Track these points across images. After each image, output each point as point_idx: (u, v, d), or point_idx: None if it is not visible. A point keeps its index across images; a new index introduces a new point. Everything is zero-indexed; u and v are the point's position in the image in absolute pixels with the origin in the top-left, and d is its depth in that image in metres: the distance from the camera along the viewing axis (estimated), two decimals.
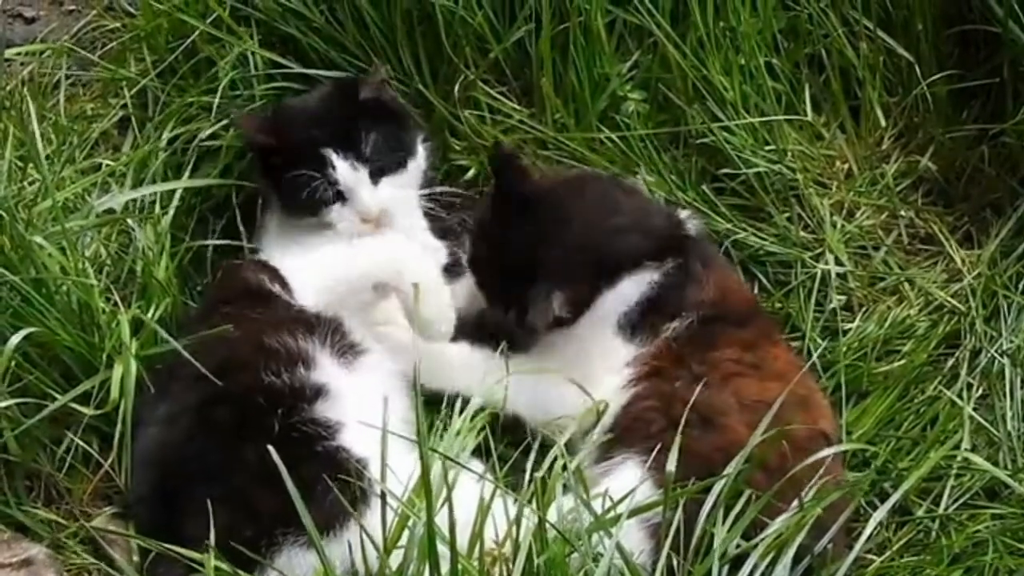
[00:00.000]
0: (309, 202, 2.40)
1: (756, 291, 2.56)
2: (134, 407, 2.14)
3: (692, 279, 2.32)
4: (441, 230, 2.54)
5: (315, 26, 2.65)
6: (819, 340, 2.49)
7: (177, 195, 2.50)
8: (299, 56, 2.67)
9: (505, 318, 2.36)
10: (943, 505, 2.25)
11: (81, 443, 2.19)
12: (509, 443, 2.24)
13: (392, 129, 2.44)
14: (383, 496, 1.82)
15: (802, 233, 2.60)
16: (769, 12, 2.69)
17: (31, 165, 2.42)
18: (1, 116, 2.53)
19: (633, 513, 1.88)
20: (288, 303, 2.32)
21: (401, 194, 2.45)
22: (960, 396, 2.40)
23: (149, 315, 2.26)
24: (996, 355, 2.45)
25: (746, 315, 2.34)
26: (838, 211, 2.64)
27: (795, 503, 1.91)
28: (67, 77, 2.77)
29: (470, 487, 1.90)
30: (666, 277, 2.31)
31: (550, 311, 2.26)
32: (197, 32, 2.62)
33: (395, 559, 1.81)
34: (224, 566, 1.88)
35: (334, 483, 1.98)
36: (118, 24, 2.83)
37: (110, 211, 2.41)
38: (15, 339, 2.09)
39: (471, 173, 2.66)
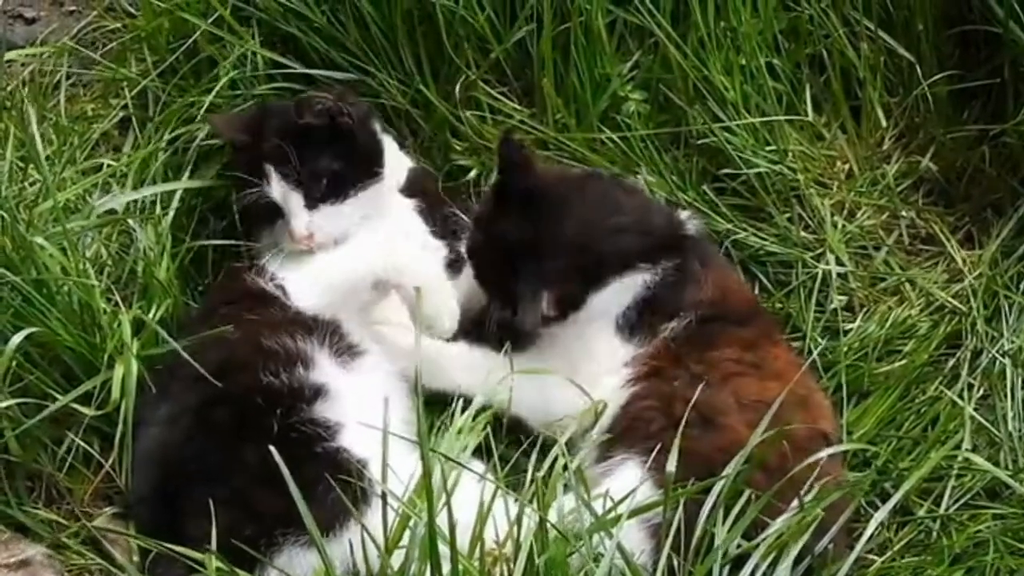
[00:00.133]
0: (254, 210, 2.41)
1: (757, 291, 2.57)
2: (135, 407, 2.14)
3: (691, 279, 2.32)
4: (441, 230, 2.53)
5: (316, 26, 2.65)
6: (820, 340, 2.50)
7: (178, 195, 2.50)
8: (300, 56, 2.67)
9: (502, 313, 2.36)
10: (944, 505, 2.25)
11: (82, 443, 2.19)
12: (510, 443, 2.25)
13: (342, 155, 2.40)
14: (384, 496, 1.82)
15: (803, 233, 2.60)
16: (770, 12, 2.69)
17: (32, 166, 2.42)
18: (2, 117, 2.53)
19: (634, 513, 1.88)
20: (288, 305, 2.31)
21: (348, 219, 2.41)
22: (961, 396, 2.40)
23: (150, 315, 2.26)
24: (997, 355, 2.45)
25: (746, 315, 2.35)
26: (839, 211, 2.64)
27: (795, 503, 1.91)
28: (68, 77, 2.77)
29: (471, 487, 1.90)
30: (664, 277, 2.31)
31: (538, 310, 2.26)
32: (199, 32, 2.62)
33: (396, 559, 1.81)
34: (225, 566, 1.88)
35: (334, 483, 1.98)
36: (119, 24, 2.83)
37: (111, 211, 2.41)
38: (16, 339, 2.09)
39: (472, 173, 2.66)
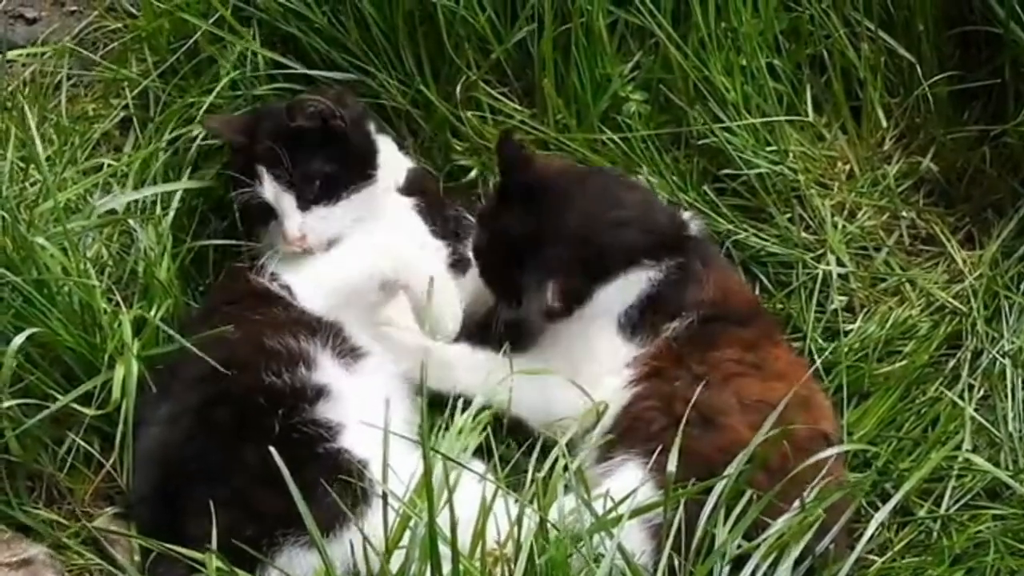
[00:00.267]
0: (250, 210, 2.41)
1: (757, 292, 2.57)
2: (135, 407, 2.14)
3: (692, 278, 2.32)
4: (442, 230, 2.53)
5: (317, 26, 2.65)
6: (820, 341, 2.50)
7: (178, 195, 2.50)
8: (301, 56, 2.67)
9: (507, 309, 2.35)
10: (944, 506, 2.25)
11: (83, 443, 2.19)
12: (510, 444, 2.25)
13: (335, 157, 2.40)
14: (384, 497, 1.82)
15: (803, 234, 2.60)
16: (770, 13, 2.69)
17: (32, 166, 2.42)
18: (3, 117, 2.53)
19: (634, 514, 1.88)
20: (291, 305, 2.32)
21: (341, 221, 2.41)
22: (961, 397, 2.40)
23: (151, 315, 2.25)
24: (997, 356, 2.45)
25: (747, 315, 2.35)
26: (839, 212, 2.64)
27: (796, 504, 1.91)
28: (68, 78, 2.77)
29: (471, 487, 1.90)
30: (666, 275, 2.31)
31: (544, 300, 2.26)
32: (200, 32, 2.62)
33: (396, 560, 1.81)
34: (225, 566, 1.88)
35: (335, 484, 1.98)
36: (119, 25, 2.83)
37: (112, 212, 2.41)
38: (18, 340, 2.09)
39: (473, 173, 2.66)
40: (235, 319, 2.24)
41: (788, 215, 2.62)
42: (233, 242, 2.46)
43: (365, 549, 1.89)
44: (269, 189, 2.37)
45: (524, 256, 2.30)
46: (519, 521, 1.85)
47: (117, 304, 2.28)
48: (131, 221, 2.43)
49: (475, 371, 2.32)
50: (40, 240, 2.19)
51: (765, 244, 2.59)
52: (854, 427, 2.38)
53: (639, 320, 2.30)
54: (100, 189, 2.49)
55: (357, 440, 2.09)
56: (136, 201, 2.48)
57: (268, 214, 2.40)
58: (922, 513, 2.25)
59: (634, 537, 1.96)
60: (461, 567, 1.78)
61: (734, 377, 2.20)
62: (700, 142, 2.64)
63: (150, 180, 2.52)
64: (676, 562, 1.88)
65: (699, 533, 1.87)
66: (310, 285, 2.34)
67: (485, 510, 1.85)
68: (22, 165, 2.44)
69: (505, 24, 2.66)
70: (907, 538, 2.23)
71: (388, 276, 2.35)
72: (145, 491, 2.15)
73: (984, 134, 2.69)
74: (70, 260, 2.23)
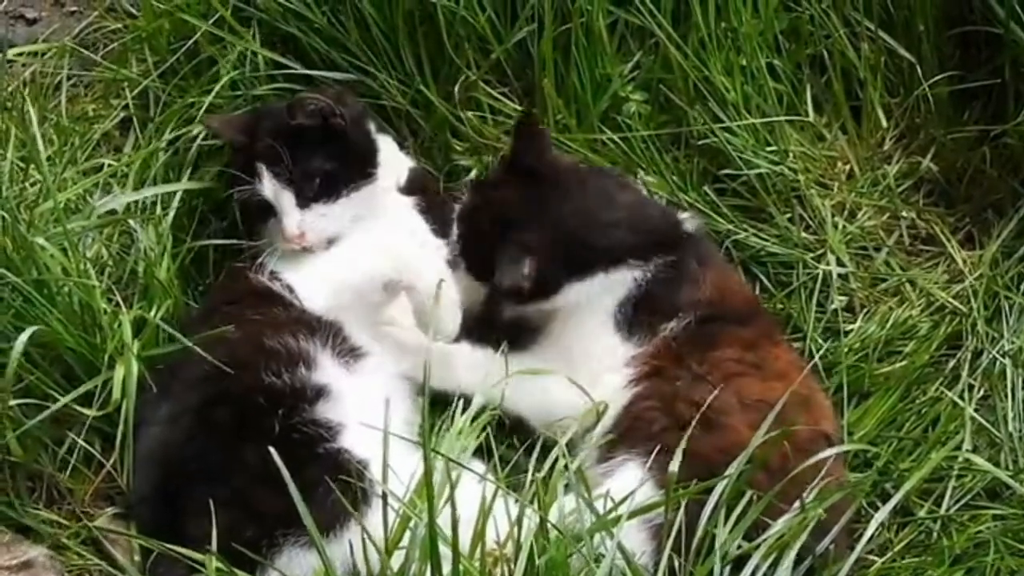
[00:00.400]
0: (250, 207, 2.42)
1: (757, 292, 2.56)
2: (136, 407, 2.14)
3: (687, 278, 2.32)
4: (441, 229, 2.53)
5: (317, 27, 2.65)
6: (820, 341, 2.50)
7: (178, 196, 2.50)
8: (301, 57, 2.67)
9: (486, 287, 2.36)
10: (944, 506, 2.25)
11: (83, 444, 2.19)
12: (510, 444, 2.25)
13: (335, 155, 2.40)
14: (384, 497, 1.82)
15: (803, 234, 2.60)
16: (770, 13, 2.69)
17: (32, 166, 2.42)
18: (3, 117, 2.53)
19: (635, 514, 1.88)
20: (291, 304, 2.31)
21: (340, 219, 2.41)
22: (961, 397, 2.40)
23: (151, 316, 2.25)
24: (997, 356, 2.45)
25: (746, 314, 2.35)
26: (839, 212, 2.64)
27: (797, 504, 1.91)
28: (69, 78, 2.76)
29: (472, 488, 1.90)
30: (655, 274, 2.31)
31: (518, 272, 2.26)
32: (200, 32, 2.62)
33: (396, 560, 1.81)
34: (225, 566, 1.88)
35: (335, 484, 1.98)
36: (119, 25, 2.82)
37: (112, 212, 2.41)
38: (21, 339, 2.09)
39: (473, 173, 2.66)
40: (235, 319, 2.24)
41: (788, 215, 2.62)
42: (233, 242, 2.46)
43: (365, 549, 1.88)
44: (269, 187, 2.38)
45: (508, 230, 2.30)
46: (519, 521, 1.84)
47: (117, 304, 2.28)
48: (131, 221, 2.43)
49: (475, 370, 2.32)
50: (40, 240, 2.19)
51: (765, 244, 2.59)
52: (854, 427, 2.38)
53: (634, 318, 2.30)
54: (100, 189, 2.49)
55: (357, 440, 2.09)
56: (136, 201, 2.48)
57: (268, 212, 2.40)
58: (922, 513, 2.25)
59: (634, 537, 1.96)
60: (461, 567, 1.78)
61: (734, 377, 2.20)
62: (700, 142, 2.64)
63: (150, 180, 2.52)
64: (676, 562, 1.88)
65: (699, 533, 1.87)
66: (313, 284, 2.34)
67: (485, 510, 1.85)
68: (22, 165, 2.44)
69: (505, 24, 2.66)
70: (907, 538, 2.23)
71: (391, 277, 2.35)
72: (145, 491, 2.15)
73: (984, 134, 2.69)
74: (70, 260, 2.23)
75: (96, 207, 2.38)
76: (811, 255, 2.58)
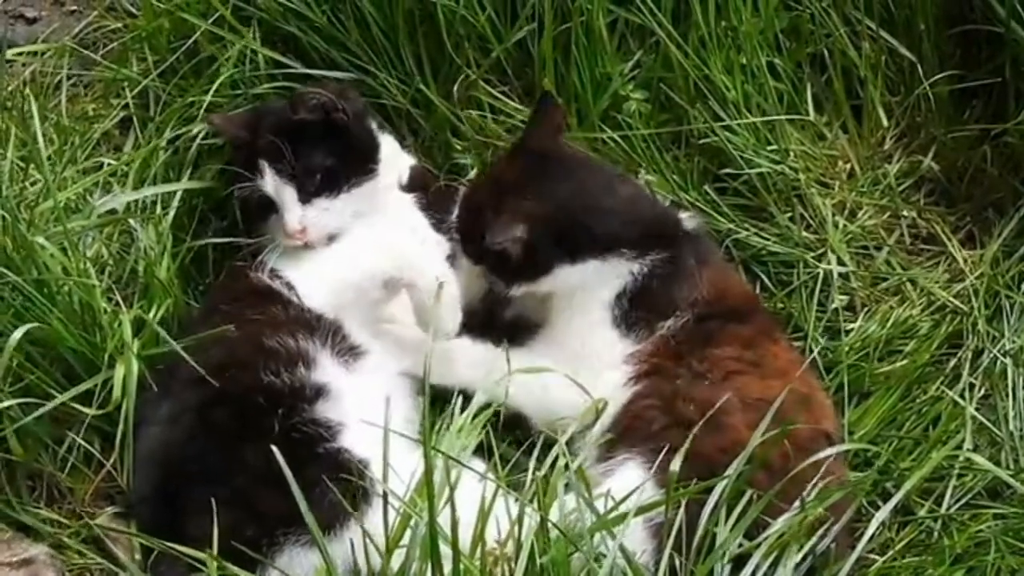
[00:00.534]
0: (251, 204, 2.42)
1: (758, 291, 2.56)
2: (136, 406, 2.14)
3: (684, 274, 2.32)
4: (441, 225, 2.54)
5: (317, 26, 2.65)
6: (821, 340, 2.49)
7: (178, 195, 2.50)
8: (301, 56, 2.67)
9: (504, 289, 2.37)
10: (945, 505, 2.25)
11: (83, 443, 2.19)
12: (511, 442, 2.25)
13: (336, 150, 2.41)
14: (385, 496, 1.82)
15: (804, 233, 2.60)
16: (771, 12, 2.69)
17: (33, 165, 2.42)
18: (3, 116, 2.53)
19: (635, 513, 1.88)
20: (291, 303, 2.31)
21: (341, 215, 2.41)
22: (962, 396, 2.40)
23: (151, 315, 2.26)
24: (998, 355, 2.44)
25: (745, 312, 2.34)
26: (840, 211, 2.64)
27: (797, 503, 1.91)
28: (69, 77, 2.77)
29: (472, 487, 1.90)
30: (652, 269, 2.31)
31: (509, 233, 2.26)
32: (200, 32, 2.62)
33: (397, 559, 1.81)
34: (226, 566, 1.88)
35: (336, 483, 1.98)
36: (120, 24, 2.83)
37: (112, 211, 2.41)
38: (17, 334, 2.09)
39: (473, 173, 2.66)
40: (235, 318, 2.24)
41: (789, 214, 2.62)
42: (233, 240, 2.45)
43: (366, 548, 1.88)
44: (270, 182, 2.38)
45: (505, 198, 2.30)
46: (520, 520, 1.84)
47: (117, 304, 2.28)
48: (131, 221, 2.43)
49: (476, 366, 2.32)
50: (40, 239, 2.19)
51: (766, 243, 2.59)
52: (855, 426, 2.38)
53: (632, 313, 2.30)
54: (100, 189, 2.49)
55: (357, 439, 2.09)
56: (136, 201, 2.48)
57: (268, 209, 2.40)
58: (923, 512, 2.25)
59: (635, 536, 1.96)
60: (462, 566, 1.78)
61: (734, 375, 2.20)
62: (700, 141, 2.64)
63: (150, 180, 2.52)
64: (677, 561, 1.88)
65: (700, 532, 1.87)
66: (313, 282, 2.34)
67: (486, 509, 1.84)
68: (22, 164, 2.44)
69: (505, 23, 2.66)
70: (908, 537, 2.23)
71: (392, 274, 2.35)
72: (145, 491, 2.15)
73: (985, 133, 2.69)
74: (70, 260, 2.23)
75: (96, 206, 2.38)
76: (812, 254, 2.57)
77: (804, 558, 1.90)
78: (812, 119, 2.72)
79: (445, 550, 1.76)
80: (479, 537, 1.83)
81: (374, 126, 2.51)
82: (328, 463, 2.05)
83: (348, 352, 2.27)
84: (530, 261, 2.30)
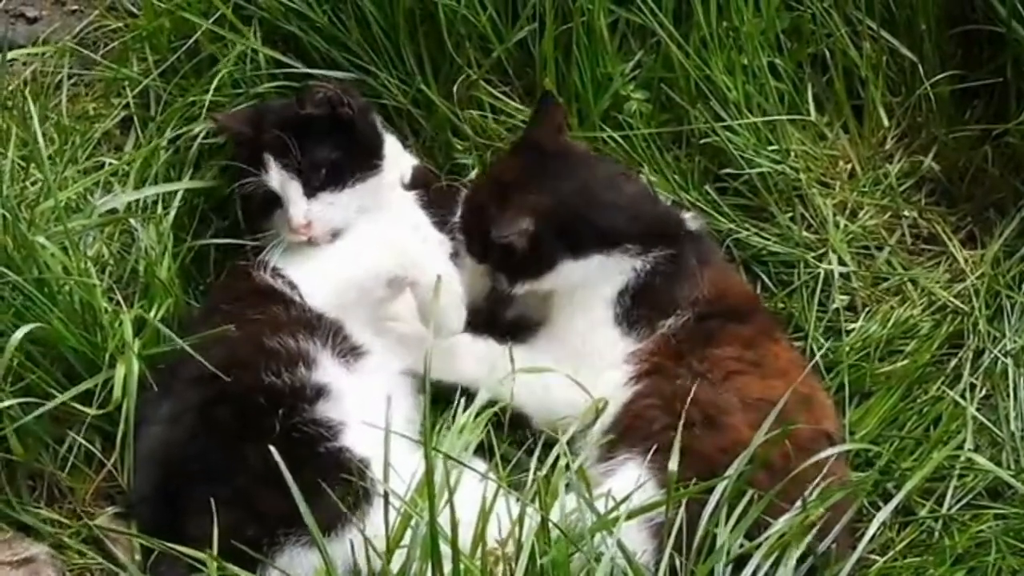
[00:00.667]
0: (254, 200, 2.42)
1: (759, 291, 2.56)
2: (136, 406, 2.13)
3: (685, 273, 2.32)
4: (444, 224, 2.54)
5: (317, 25, 2.65)
6: (822, 340, 2.50)
7: (179, 195, 2.50)
8: (301, 55, 2.67)
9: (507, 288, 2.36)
10: (946, 505, 2.25)
11: (84, 442, 2.19)
12: (512, 442, 2.25)
13: (342, 145, 2.41)
14: (386, 496, 1.81)
15: (805, 233, 2.60)
16: (772, 12, 2.69)
17: (33, 165, 2.42)
18: (4, 116, 2.53)
19: (636, 513, 1.88)
20: (292, 303, 2.31)
21: (346, 210, 2.41)
22: (963, 396, 2.40)
23: (151, 315, 2.25)
24: (999, 355, 2.44)
25: (746, 312, 2.34)
26: (841, 211, 2.64)
27: (798, 503, 1.91)
28: (69, 77, 2.76)
29: (473, 487, 1.90)
30: (654, 267, 2.31)
31: (515, 226, 2.26)
32: (200, 31, 2.62)
33: (397, 559, 1.81)
34: (226, 565, 1.88)
35: (336, 483, 1.98)
36: (120, 24, 2.82)
37: (112, 211, 2.41)
38: (18, 335, 2.09)
39: (474, 173, 2.66)
40: (236, 318, 2.24)
41: (790, 214, 2.62)
42: (234, 241, 2.45)
43: (366, 548, 1.88)
44: (275, 177, 2.38)
45: (509, 198, 2.30)
46: (520, 520, 1.84)
47: (118, 303, 2.28)
48: (132, 220, 2.43)
49: (478, 362, 2.32)
50: (41, 239, 2.19)
51: (767, 243, 2.59)
52: (856, 426, 2.38)
53: (633, 310, 2.30)
54: (101, 188, 2.49)
55: (358, 439, 2.09)
56: (137, 200, 2.48)
57: (271, 205, 2.40)
58: (924, 513, 2.25)
59: (636, 536, 1.96)
60: (462, 566, 1.78)
61: (734, 375, 2.20)
62: (701, 141, 2.64)
63: (151, 179, 2.52)
64: (677, 561, 1.88)
65: (700, 532, 1.87)
66: (316, 280, 2.34)
67: (486, 509, 1.84)
68: (23, 164, 2.44)
69: (506, 23, 2.66)
70: (909, 538, 2.23)
71: (396, 272, 2.35)
72: (146, 490, 2.15)
73: (986, 133, 2.69)
74: (71, 259, 2.23)
75: (97, 206, 2.38)
76: (812, 254, 2.57)
77: (805, 558, 1.89)
78: (813, 119, 2.72)
79: (445, 550, 1.75)
80: (480, 537, 1.83)
81: (378, 122, 2.52)
82: (329, 463, 2.05)
83: (349, 352, 2.27)
84: (535, 255, 2.30)
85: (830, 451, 2.02)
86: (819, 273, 2.55)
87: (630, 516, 1.86)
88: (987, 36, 2.69)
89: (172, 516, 2.07)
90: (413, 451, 1.96)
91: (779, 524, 1.88)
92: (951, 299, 2.55)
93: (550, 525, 1.82)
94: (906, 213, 2.66)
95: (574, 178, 2.34)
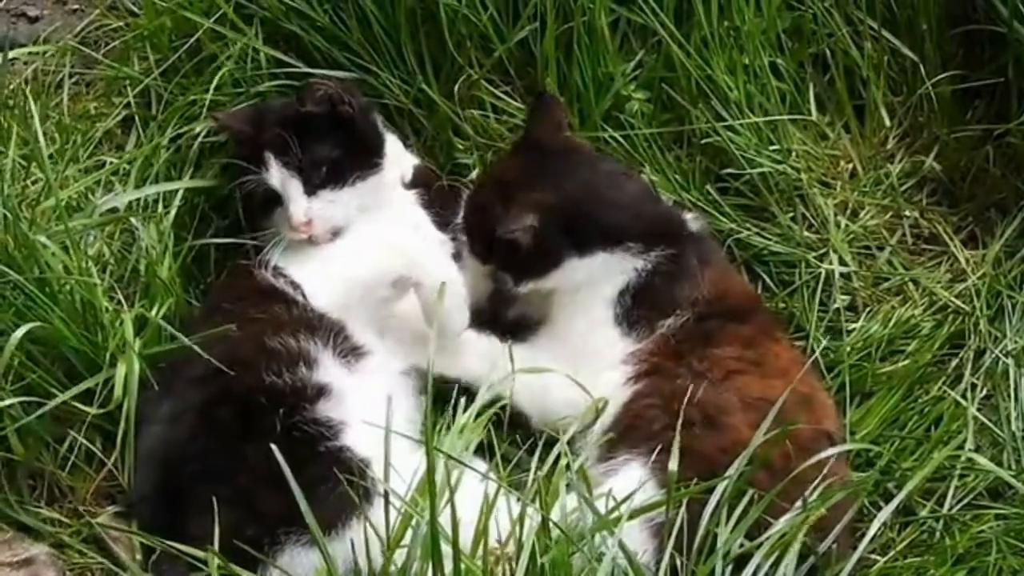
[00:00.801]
0: (254, 199, 2.42)
1: (760, 291, 2.56)
2: (137, 405, 2.13)
3: (686, 274, 2.32)
4: (444, 223, 2.54)
5: (319, 25, 2.65)
6: (823, 340, 2.49)
7: (180, 194, 2.50)
8: (302, 55, 2.67)
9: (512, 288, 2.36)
10: (947, 505, 2.25)
11: (84, 442, 2.19)
12: (513, 442, 2.25)
13: (342, 143, 2.41)
14: (386, 495, 1.81)
15: (806, 233, 2.60)
16: (773, 12, 2.69)
17: (35, 164, 2.42)
18: (5, 115, 2.53)
19: (637, 513, 1.88)
20: (294, 302, 2.31)
21: (346, 208, 2.41)
22: (964, 396, 2.40)
23: (152, 314, 2.25)
24: (1000, 355, 2.44)
25: (746, 312, 2.34)
26: (842, 211, 2.63)
27: (799, 503, 1.90)
28: (71, 76, 2.76)
29: (473, 486, 1.90)
30: (656, 266, 2.31)
31: (520, 223, 2.26)
32: (202, 30, 2.62)
33: (398, 558, 1.81)
34: (227, 565, 1.88)
35: (337, 482, 1.98)
36: (121, 23, 2.82)
37: (113, 210, 2.41)
38: (18, 334, 2.09)
39: (475, 172, 2.66)
40: (237, 317, 2.23)
41: (791, 214, 2.62)
42: (235, 240, 2.45)
43: (367, 548, 1.88)
44: (276, 175, 2.38)
45: (513, 196, 2.30)
46: (521, 520, 1.84)
47: (119, 302, 2.28)
48: (133, 219, 2.43)
49: (482, 358, 2.32)
50: (42, 238, 2.19)
51: (768, 243, 2.59)
52: (857, 426, 2.37)
53: (633, 310, 2.30)
54: (102, 187, 2.49)
55: (359, 438, 2.09)
56: (138, 199, 2.48)
57: (272, 203, 2.40)
58: (924, 513, 2.25)
59: (636, 536, 1.96)
60: (463, 566, 1.78)
61: (734, 374, 2.20)
62: (703, 141, 2.64)
63: (152, 178, 2.52)
64: (678, 561, 1.88)
65: (701, 532, 1.87)
66: (320, 280, 2.34)
67: (487, 509, 1.84)
68: (24, 163, 2.44)
69: (507, 23, 2.66)
70: (909, 538, 2.23)
71: (401, 272, 2.35)
72: (146, 490, 2.15)
73: (987, 133, 2.69)
74: (72, 258, 2.23)
75: (98, 205, 2.39)
76: (813, 254, 2.57)
77: (805, 558, 1.89)
78: (814, 119, 2.71)
79: (446, 550, 1.75)
80: (480, 537, 1.83)
81: (379, 121, 2.52)
82: (329, 462, 2.05)
83: (350, 352, 2.27)
84: (540, 252, 2.30)
85: (831, 451, 2.02)
86: (820, 273, 2.55)
87: (631, 516, 1.86)
88: (988, 36, 2.69)
89: (173, 515, 2.07)
90: (414, 451, 1.96)
91: (780, 524, 1.88)
92: (952, 299, 2.55)
93: (551, 525, 1.81)
94: (907, 213, 2.66)
95: (577, 175, 2.34)
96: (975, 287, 2.54)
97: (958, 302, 2.54)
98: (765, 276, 2.59)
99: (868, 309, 2.56)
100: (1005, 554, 2.10)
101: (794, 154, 2.65)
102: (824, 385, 2.38)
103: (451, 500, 1.74)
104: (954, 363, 2.48)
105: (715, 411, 2.12)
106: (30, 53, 2.80)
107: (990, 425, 2.35)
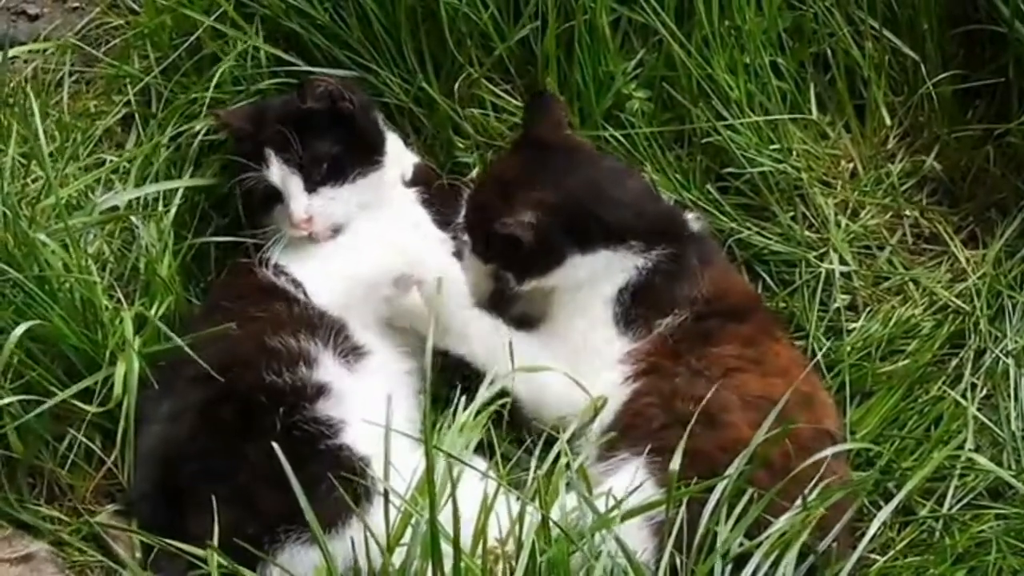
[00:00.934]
0: (255, 196, 2.42)
1: (760, 290, 2.56)
2: (137, 404, 2.13)
3: (686, 273, 2.31)
4: (446, 221, 2.54)
5: (319, 23, 2.65)
6: (823, 340, 2.49)
7: (180, 192, 2.50)
8: (302, 53, 2.67)
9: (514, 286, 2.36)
10: (947, 505, 2.25)
11: (84, 440, 2.19)
12: (512, 440, 2.25)
13: (342, 140, 2.41)
14: (386, 494, 1.81)
15: (806, 232, 2.60)
16: (774, 11, 2.69)
17: (35, 162, 2.42)
18: (5, 113, 2.53)
19: (636, 512, 1.88)
20: (295, 301, 2.31)
21: (347, 205, 2.41)
22: (964, 396, 2.40)
23: (152, 312, 2.25)
24: (1000, 355, 2.44)
25: (745, 311, 2.34)
26: (843, 210, 2.63)
27: (799, 502, 1.90)
28: (71, 74, 2.76)
29: (473, 485, 1.90)
30: (656, 264, 2.30)
31: (521, 218, 2.25)
32: (202, 28, 2.62)
33: (398, 557, 1.81)
34: (226, 563, 1.88)
35: (337, 481, 1.98)
36: (122, 21, 2.83)
37: (113, 208, 2.41)
38: (17, 332, 2.09)
39: (475, 171, 2.66)
40: (237, 316, 2.23)
41: (791, 213, 2.61)
42: (235, 239, 2.45)
43: (367, 546, 1.88)
44: (276, 172, 2.38)
45: (513, 195, 2.30)
46: (521, 519, 1.84)
47: (118, 301, 2.28)
48: (133, 218, 2.43)
49: (489, 339, 2.30)
50: (42, 236, 2.19)
51: (768, 243, 2.59)
52: (857, 426, 2.37)
53: (632, 308, 2.29)
54: (102, 185, 2.49)
55: (359, 437, 2.09)
56: (138, 198, 2.48)
57: (272, 200, 2.41)
58: (924, 512, 2.25)
59: (636, 535, 1.96)
60: (463, 565, 1.78)
61: (734, 373, 2.20)
62: (703, 140, 2.64)
63: (152, 177, 2.52)
64: (678, 560, 1.88)
65: (701, 531, 1.86)
66: (321, 279, 2.34)
67: (487, 508, 1.84)
68: (24, 161, 2.44)
69: (508, 21, 2.66)
70: (909, 537, 2.22)
71: (402, 271, 2.34)
72: (146, 488, 2.15)
73: (988, 133, 2.68)
74: (71, 256, 2.24)
75: (98, 203, 2.39)
76: (814, 254, 2.57)
77: (805, 557, 1.89)
78: (815, 118, 2.71)
79: (446, 548, 1.75)
80: (480, 535, 1.83)
81: (379, 118, 2.52)
82: (329, 461, 2.05)
83: (351, 352, 2.27)
84: (543, 250, 2.29)
85: (831, 450, 2.02)
86: (820, 272, 2.55)
87: (630, 515, 1.86)
88: (989, 36, 2.69)
89: (172, 514, 2.07)
90: (414, 449, 1.96)
91: (780, 523, 1.88)
92: (952, 299, 2.55)
93: (550, 523, 1.81)
94: (908, 213, 2.66)
95: (578, 173, 2.34)
96: (975, 287, 2.54)
97: (958, 302, 2.54)
98: (765, 275, 2.58)
99: (868, 309, 2.55)
100: (1005, 554, 2.10)
101: (794, 153, 2.65)
102: (824, 384, 2.37)
103: (451, 498, 1.74)
104: (954, 363, 2.48)
105: (715, 409, 2.11)
106: (30, 51, 2.80)
107: (990, 425, 2.35)
